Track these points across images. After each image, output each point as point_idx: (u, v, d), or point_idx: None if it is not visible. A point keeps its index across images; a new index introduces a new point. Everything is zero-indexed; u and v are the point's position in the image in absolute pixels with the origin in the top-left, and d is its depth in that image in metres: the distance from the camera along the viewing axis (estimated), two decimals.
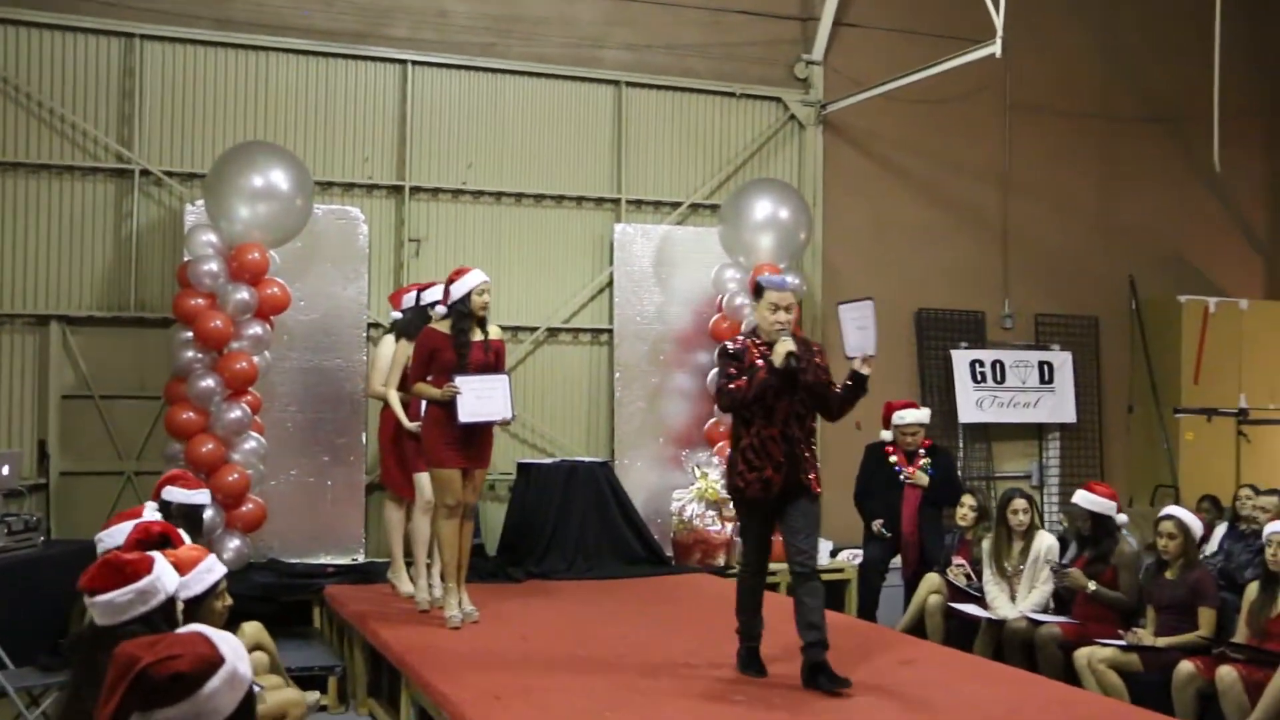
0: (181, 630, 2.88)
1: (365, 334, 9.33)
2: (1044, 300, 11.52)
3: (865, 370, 5.79)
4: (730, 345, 5.94)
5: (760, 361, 5.75)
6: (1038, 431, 11.56)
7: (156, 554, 3.91)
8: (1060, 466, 11.52)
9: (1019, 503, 7.66)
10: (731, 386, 5.77)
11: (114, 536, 5.04)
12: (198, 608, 4.34)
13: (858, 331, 5.84)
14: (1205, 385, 11.46)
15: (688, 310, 10.16)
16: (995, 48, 8.65)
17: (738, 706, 5.50)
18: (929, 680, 5.97)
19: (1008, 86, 11.15)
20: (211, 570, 4.44)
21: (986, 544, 7.79)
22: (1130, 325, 11.82)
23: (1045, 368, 11.37)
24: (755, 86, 10.61)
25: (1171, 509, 7.07)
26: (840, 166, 10.86)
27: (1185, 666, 6.28)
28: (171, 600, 3.78)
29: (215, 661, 2.77)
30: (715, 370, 5.93)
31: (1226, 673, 6.07)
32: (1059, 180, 11.62)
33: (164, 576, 3.77)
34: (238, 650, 2.86)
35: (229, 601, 4.58)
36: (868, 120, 10.85)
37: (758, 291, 6.00)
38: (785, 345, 5.68)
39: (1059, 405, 11.43)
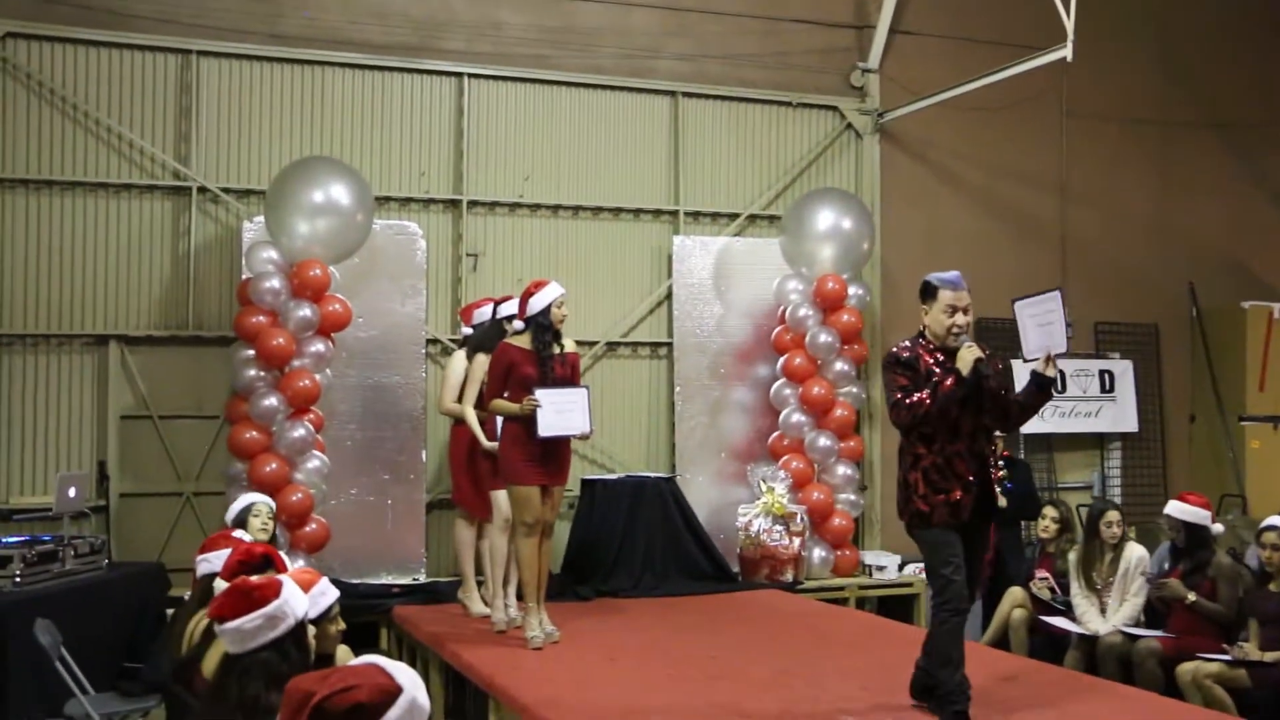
0: (357, 661, 2.73)
1: (424, 350, 9.20)
2: (1103, 309, 11.34)
3: (1050, 372, 5.25)
4: (901, 352, 5.38)
5: (937, 370, 5.25)
6: (1099, 441, 11.38)
7: (285, 577, 3.78)
8: (1122, 476, 11.34)
9: (1112, 514, 7.49)
10: (911, 400, 5.21)
11: (213, 562, 4.91)
12: (314, 631, 4.21)
13: (1039, 329, 5.34)
14: (1271, 392, 11.28)
15: (748, 323, 10.01)
16: (1067, 51, 8.50)
17: None
18: (1039, 699, 5.79)
19: (1064, 94, 11.00)
20: (325, 593, 4.30)
21: (1073, 556, 7.62)
22: (1191, 333, 11.65)
23: (1106, 376, 11.20)
24: (811, 96, 10.49)
25: (1274, 519, 6.88)
26: (897, 176, 10.73)
27: None
28: (302, 625, 3.64)
29: (393, 691, 2.64)
30: (886, 382, 5.36)
31: None
32: (1116, 188, 11.47)
33: (292, 600, 3.63)
34: (415, 680, 2.72)
35: (343, 626, 4.44)
36: (924, 129, 10.72)
37: (929, 292, 5.40)
38: (972, 352, 5.18)
39: (1120, 414, 11.26)
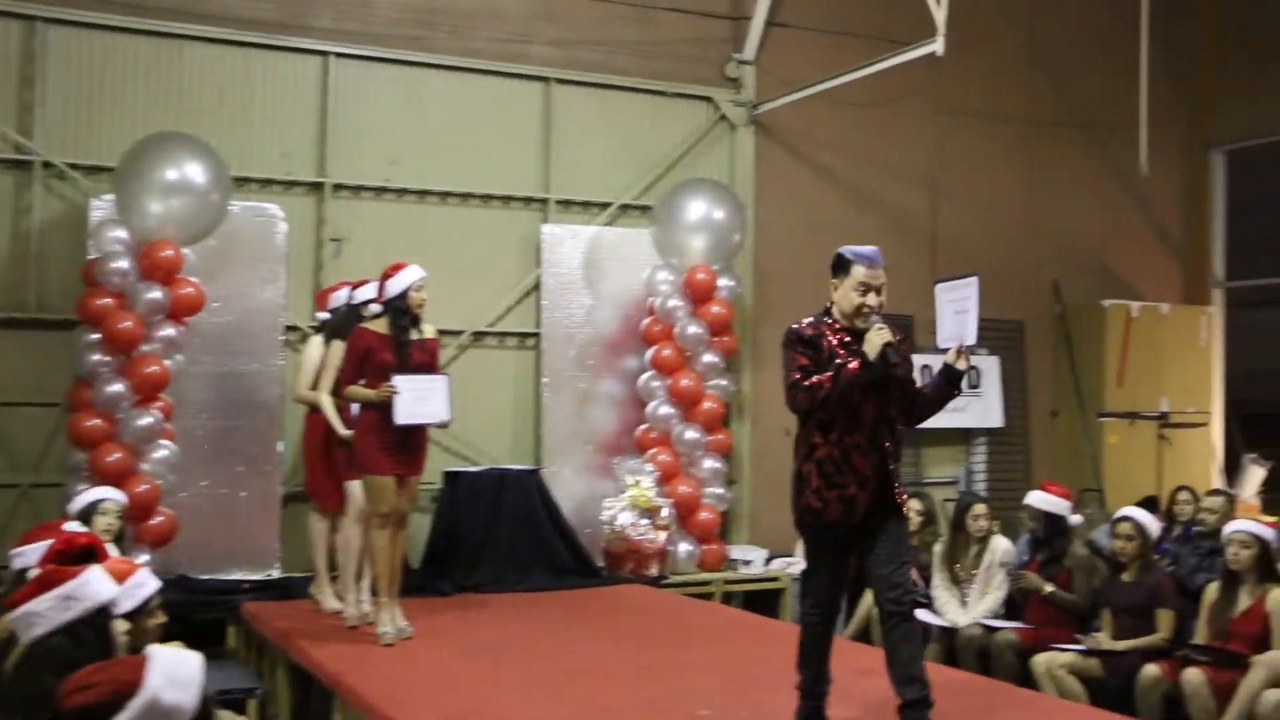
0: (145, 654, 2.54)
1: (283, 337, 8.88)
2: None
3: (961, 364, 4.85)
4: (804, 330, 4.86)
5: (842, 351, 4.76)
6: (965, 436, 11.48)
7: (93, 566, 3.54)
8: (987, 471, 11.47)
9: (979, 508, 7.52)
10: (810, 382, 4.71)
11: (28, 555, 4.62)
12: (128, 626, 3.96)
13: (955, 316, 4.95)
14: (1128, 389, 11.50)
15: (618, 314, 9.88)
16: (937, 45, 8.53)
17: None
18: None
19: (937, 90, 11.06)
20: (144, 585, 4.05)
21: (938, 549, 7.63)
22: (1054, 330, 11.82)
23: (973, 372, 11.30)
24: (686, 86, 10.39)
25: (1128, 510, 6.98)
26: (771, 168, 10.68)
27: (1150, 670, 6.17)
28: (104, 612, 3.40)
29: (129, 691, 2.45)
30: (784, 361, 4.83)
31: (1193, 675, 5.96)
32: (987, 185, 11.58)
33: (93, 584, 3.39)
34: (175, 678, 2.52)
35: (162, 619, 4.19)
36: (799, 122, 10.69)
37: (841, 266, 4.88)
38: (882, 335, 4.68)
39: (986, 410, 11.37)
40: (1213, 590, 6.45)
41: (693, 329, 9.43)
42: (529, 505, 8.97)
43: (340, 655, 6.35)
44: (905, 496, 4.89)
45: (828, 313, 4.92)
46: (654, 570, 9.01)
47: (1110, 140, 11.75)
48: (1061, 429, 11.80)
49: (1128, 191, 12.07)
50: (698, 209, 9.61)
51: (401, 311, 6.73)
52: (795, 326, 4.89)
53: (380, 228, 9.40)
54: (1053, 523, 7.25)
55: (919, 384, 5.01)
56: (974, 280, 4.96)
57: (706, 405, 9.51)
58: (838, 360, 4.72)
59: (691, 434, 9.42)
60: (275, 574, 8.67)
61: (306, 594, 7.87)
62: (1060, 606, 7.04)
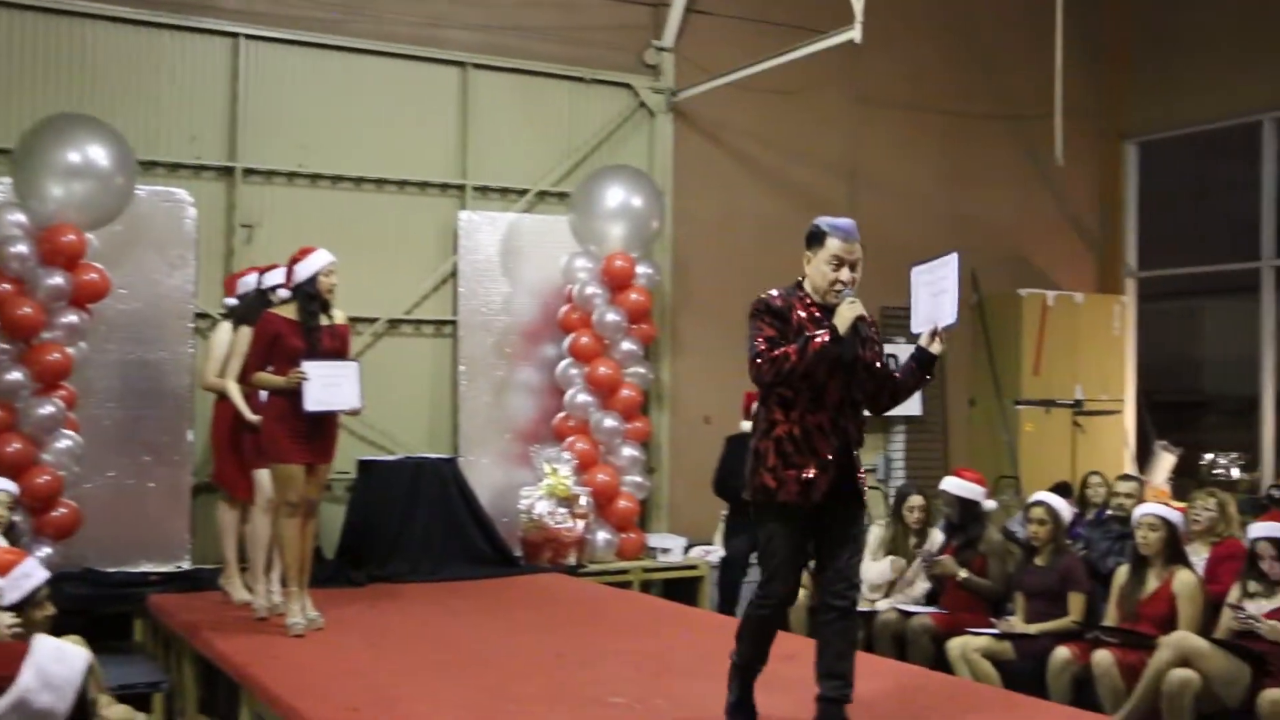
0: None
1: (192, 325, 8.69)
2: (891, 294, 11.39)
3: (935, 348, 4.65)
4: (773, 300, 4.62)
5: (811, 325, 4.53)
6: (884, 425, 11.53)
7: None
8: (905, 459, 11.53)
9: (915, 499, 7.53)
10: (775, 354, 4.48)
11: None
12: (16, 618, 3.83)
13: (931, 299, 4.73)
14: (1044, 377, 11.62)
15: (535, 301, 9.79)
16: (855, 33, 8.52)
17: (616, 708, 5.18)
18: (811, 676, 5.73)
19: (856, 79, 11.09)
20: (30, 575, 3.92)
21: (871, 537, 7.61)
22: (972, 319, 11.90)
23: (892, 361, 11.29)
24: (605, 72, 10.31)
25: (1042, 495, 7.02)
26: (690, 156, 10.63)
27: (1061, 652, 6.21)
28: None
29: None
30: (751, 332, 4.58)
31: (1102, 657, 6.00)
32: (905, 174, 11.63)
33: None
34: (51, 678, 2.42)
35: (51, 611, 4.06)
36: (718, 110, 10.65)
37: (815, 238, 4.63)
38: (854, 309, 4.47)
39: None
40: (1122, 573, 6.52)
41: (611, 316, 9.37)
42: (445, 494, 8.85)
43: (247, 646, 6.22)
44: (866, 485, 4.71)
45: (799, 286, 4.68)
46: (572, 559, 8.95)
47: (1028, 131, 11.84)
48: (979, 417, 11.90)
49: (1044, 182, 12.19)
50: (616, 196, 9.54)
51: (310, 296, 6.59)
52: (764, 296, 4.64)
53: (293, 214, 9.22)
54: (967, 508, 7.28)
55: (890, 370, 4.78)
56: (953, 258, 4.73)
57: (625, 393, 9.45)
58: (806, 334, 4.49)
59: (610, 422, 9.36)
60: (185, 566, 8.48)
61: (216, 586, 7.71)
62: (975, 591, 7.08)
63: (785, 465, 4.54)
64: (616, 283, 9.46)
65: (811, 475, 4.51)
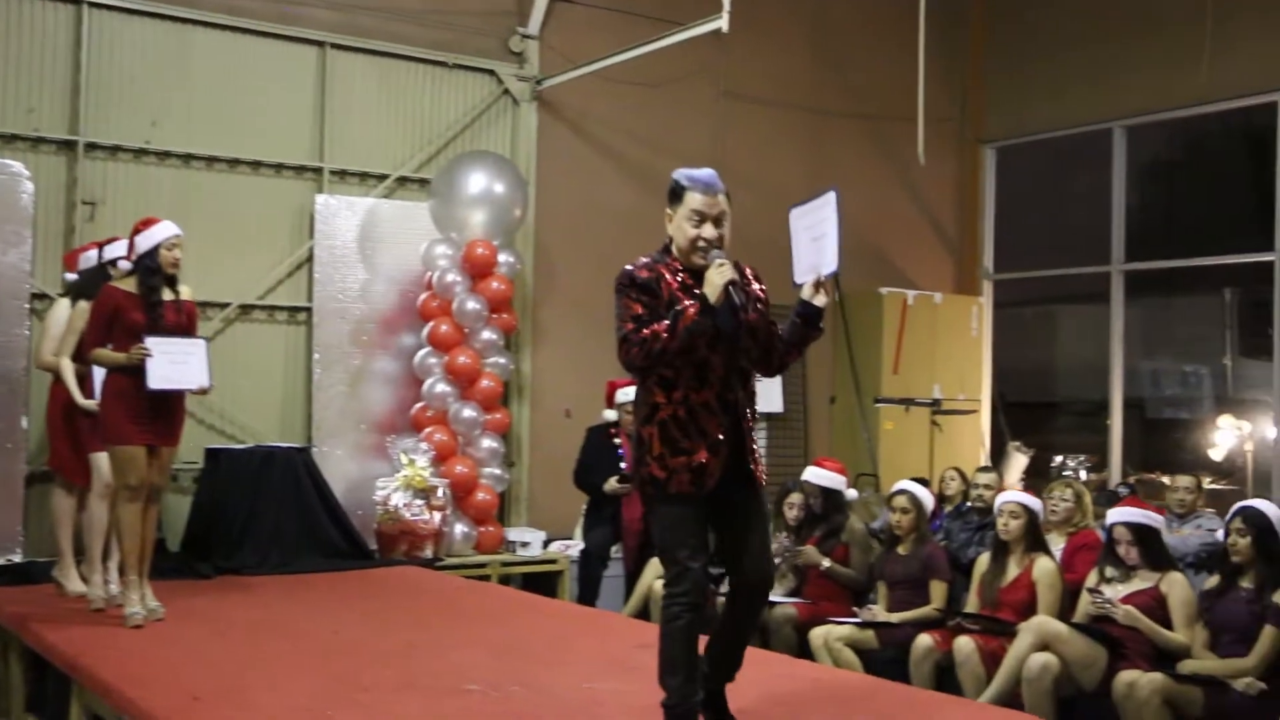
0: None
1: (28, 306, 8.22)
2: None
3: (819, 300, 4.27)
4: (638, 272, 4.22)
5: (683, 295, 4.17)
6: None
7: None
8: (767, 455, 11.46)
9: (794, 498, 7.47)
10: (644, 334, 4.11)
11: None
12: None
13: (812, 244, 4.37)
14: (903, 376, 11.72)
15: (394, 289, 9.52)
16: (722, 22, 8.45)
17: (471, 696, 4.99)
18: None
19: (723, 74, 11.07)
20: None
21: None
22: (834, 316, 11.95)
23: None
24: (469, 58, 10.08)
25: (904, 484, 7.04)
26: (554, 146, 10.47)
27: (923, 640, 6.22)
28: None
29: None
30: (618, 310, 4.23)
31: (964, 643, 6.02)
32: (769, 170, 11.60)
33: None
34: None
35: None
36: (584, 100, 10.52)
37: (675, 194, 4.27)
38: (723, 273, 4.07)
39: (767, 395, 11.34)
40: (983, 561, 6.56)
41: (471, 304, 9.15)
42: (297, 485, 8.54)
43: (80, 637, 5.87)
44: (763, 464, 4.35)
45: (667, 250, 4.30)
46: (429, 552, 8.69)
47: (890, 132, 11.94)
48: (840, 415, 11.95)
49: (905, 183, 12.33)
50: (478, 182, 9.33)
51: (152, 270, 6.27)
52: (629, 268, 4.24)
53: (140, 192, 8.80)
54: (829, 498, 7.26)
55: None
56: (830, 198, 4.32)
57: (485, 383, 9.24)
58: (677, 307, 4.12)
59: (469, 412, 9.14)
60: (17, 559, 8.00)
61: (49, 578, 7.30)
62: (837, 581, 7.06)
63: (673, 452, 4.14)
64: (477, 270, 9.25)
65: (703, 460, 4.13)
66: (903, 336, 11.71)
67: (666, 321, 4.10)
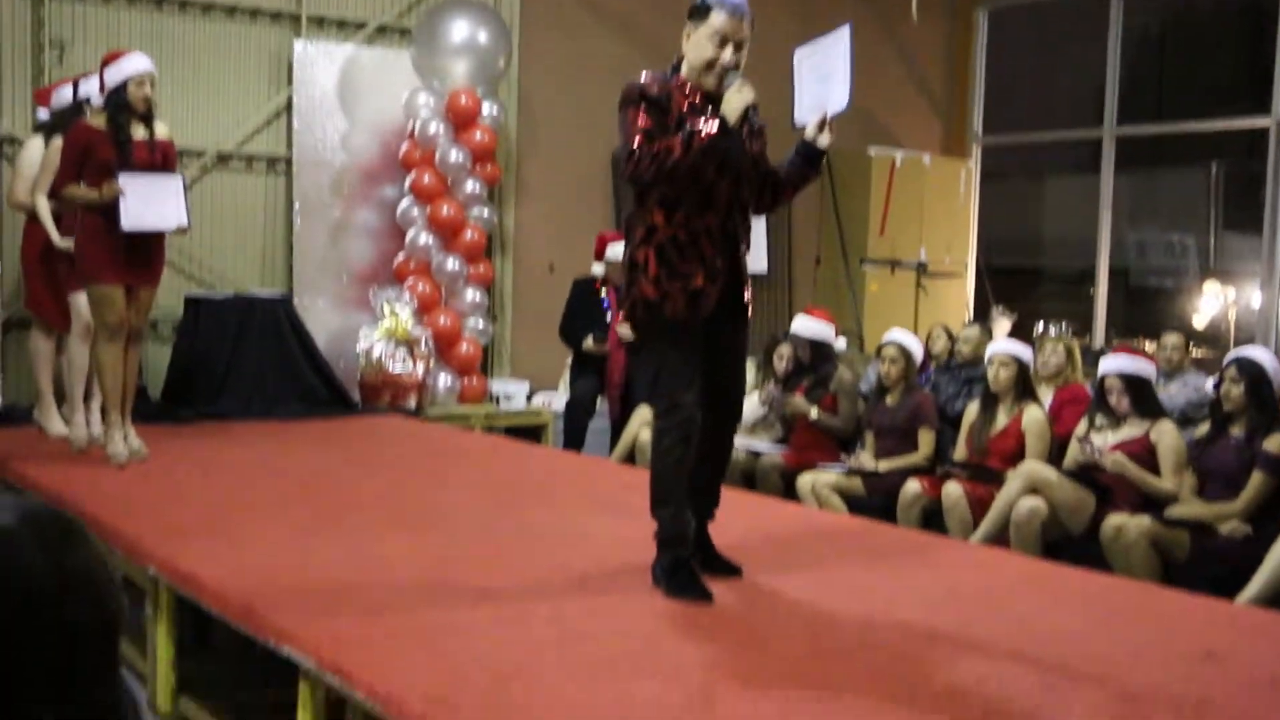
0: None
1: None
2: None
3: (824, 140, 4.08)
4: (649, 86, 3.99)
5: (693, 117, 3.97)
6: None
7: None
8: (752, 316, 11.42)
9: (783, 349, 7.38)
10: (657, 149, 3.90)
11: None
12: None
13: (818, 83, 4.17)
14: (889, 237, 11.61)
15: (375, 140, 9.32)
16: None
17: (458, 530, 4.97)
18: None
19: None
20: None
21: None
22: (821, 177, 11.77)
23: None
24: None
25: (894, 333, 6.97)
26: None
27: (911, 485, 6.21)
28: None
29: None
30: (623, 124, 4.01)
31: (952, 489, 6.01)
32: (762, 28, 11.20)
33: None
34: None
35: None
36: None
37: (699, 11, 4.08)
38: (743, 96, 3.93)
39: (752, 257, 11.21)
40: (972, 410, 6.53)
41: (455, 155, 8.96)
42: (278, 333, 8.42)
43: (63, 474, 5.82)
44: (751, 297, 4.26)
45: (676, 70, 4.11)
46: (411, 403, 8.64)
47: None
48: (825, 276, 11.85)
49: (897, 44, 12.07)
50: (460, 30, 9.06)
51: (120, 106, 6.05)
52: (637, 82, 4.02)
53: (111, 37, 8.50)
54: (817, 348, 7.20)
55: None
56: (844, 32, 4.08)
57: (468, 235, 9.09)
58: (688, 127, 3.91)
59: (452, 264, 9.01)
60: None
61: (30, 421, 7.22)
62: (825, 430, 7.03)
63: (670, 275, 3.99)
64: (460, 120, 9.04)
65: (700, 285, 4.01)
66: (890, 198, 11.57)
67: (680, 137, 3.92)
